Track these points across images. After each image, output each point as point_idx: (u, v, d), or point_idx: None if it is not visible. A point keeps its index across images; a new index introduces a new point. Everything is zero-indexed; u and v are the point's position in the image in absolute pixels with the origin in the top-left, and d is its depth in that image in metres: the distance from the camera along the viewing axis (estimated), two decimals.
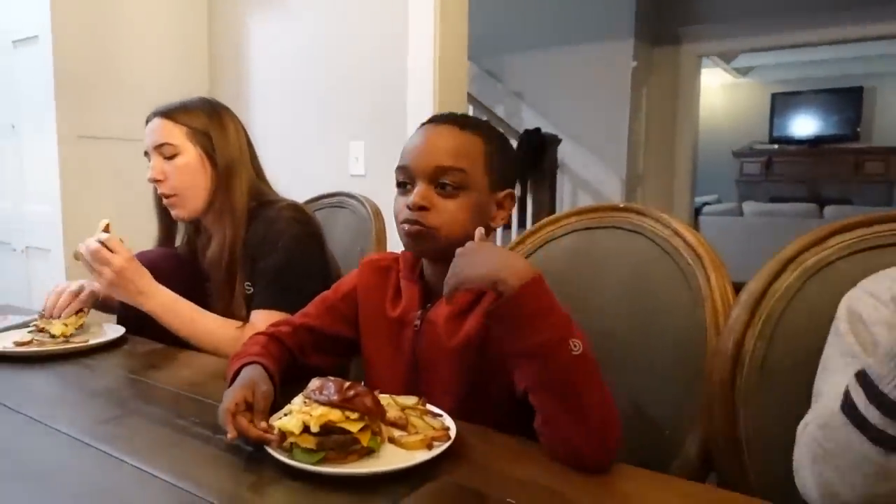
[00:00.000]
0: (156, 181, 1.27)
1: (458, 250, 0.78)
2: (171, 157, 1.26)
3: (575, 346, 0.70)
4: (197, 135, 1.27)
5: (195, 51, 2.63)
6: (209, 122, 1.28)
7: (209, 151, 1.27)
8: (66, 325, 1.18)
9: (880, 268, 0.74)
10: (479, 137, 0.89)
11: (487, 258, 0.75)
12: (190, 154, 1.26)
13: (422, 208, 0.86)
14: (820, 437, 0.61)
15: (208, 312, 1.22)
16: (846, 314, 0.68)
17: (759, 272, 0.86)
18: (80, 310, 1.23)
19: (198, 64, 2.64)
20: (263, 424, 0.72)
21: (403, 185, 0.90)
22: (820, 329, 0.74)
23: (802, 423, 0.66)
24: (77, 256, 1.19)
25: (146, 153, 1.29)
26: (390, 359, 0.94)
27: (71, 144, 2.24)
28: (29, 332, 1.19)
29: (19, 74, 2.38)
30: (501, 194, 0.92)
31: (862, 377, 0.58)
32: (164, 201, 1.29)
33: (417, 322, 0.92)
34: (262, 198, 1.32)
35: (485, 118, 4.05)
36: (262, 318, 1.19)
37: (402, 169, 0.89)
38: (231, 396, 0.76)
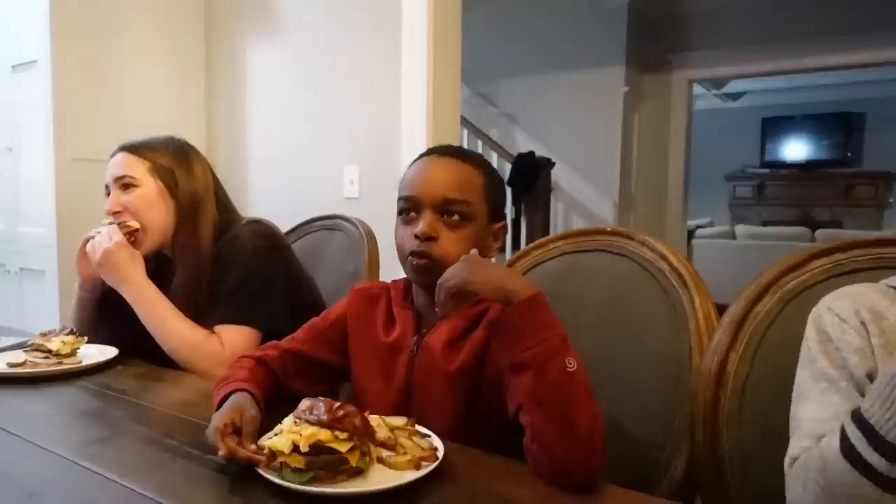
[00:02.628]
0: (114, 213, 1.26)
1: (464, 257, 0.81)
2: (129, 190, 1.25)
3: (570, 363, 0.73)
4: (160, 170, 1.27)
5: (192, 76, 2.66)
6: (173, 159, 1.29)
7: (171, 187, 1.27)
8: (64, 342, 1.19)
9: None
10: (479, 170, 0.93)
11: (495, 269, 0.79)
12: (149, 187, 1.26)
13: (429, 238, 0.88)
14: (822, 483, 0.60)
15: (183, 317, 1.21)
16: (815, 334, 0.70)
17: (741, 296, 0.88)
18: (78, 332, 1.24)
19: (194, 89, 2.67)
20: (252, 447, 0.73)
21: (406, 213, 0.92)
22: (799, 351, 0.76)
23: (788, 457, 0.66)
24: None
25: (106, 187, 1.29)
26: (382, 383, 0.95)
27: (66, 167, 2.26)
28: (24, 351, 1.19)
29: (18, 98, 2.41)
30: (497, 226, 0.95)
31: (859, 421, 0.57)
32: (127, 238, 1.27)
33: (414, 347, 0.93)
34: (226, 226, 1.31)
35: (478, 141, 4.10)
36: (228, 334, 1.20)
37: (407, 198, 0.91)
38: (220, 418, 0.77)
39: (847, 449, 0.58)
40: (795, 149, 7.83)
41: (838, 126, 7.53)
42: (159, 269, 1.37)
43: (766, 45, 4.38)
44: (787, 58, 4.39)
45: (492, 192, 0.93)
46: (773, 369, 0.83)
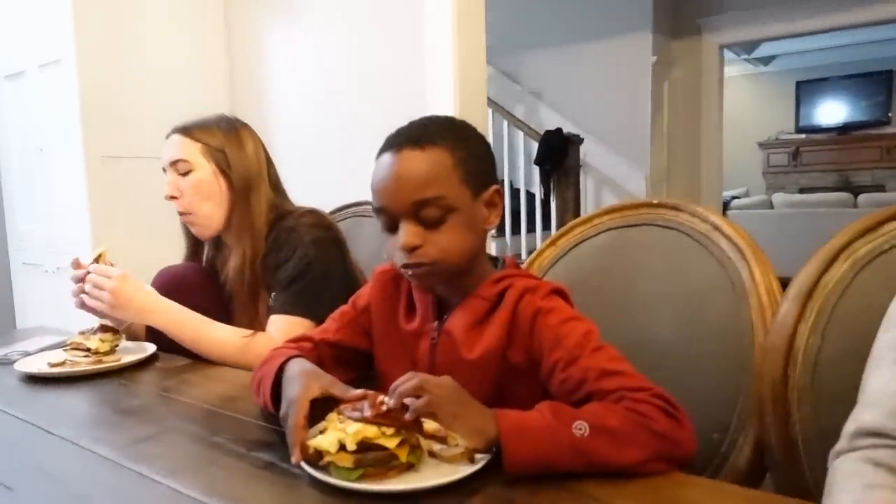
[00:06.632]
0: (171, 198, 1.27)
1: (436, 386, 0.70)
2: (185, 174, 1.26)
3: (578, 428, 0.66)
4: (212, 151, 1.26)
5: (215, 69, 2.65)
6: (225, 139, 1.28)
7: (224, 168, 1.27)
8: (102, 340, 1.19)
9: None
10: (444, 151, 0.82)
11: (462, 410, 0.70)
12: (204, 171, 1.26)
13: (415, 248, 0.82)
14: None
15: (216, 323, 1.21)
16: None
17: (807, 264, 0.82)
18: (116, 329, 1.24)
19: (217, 81, 2.66)
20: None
21: (385, 225, 0.85)
22: (876, 322, 0.69)
23: (835, 448, 0.60)
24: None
25: (164, 169, 1.30)
26: (405, 372, 0.91)
27: (97, 165, 2.28)
28: (64, 350, 1.19)
29: (45, 97, 2.42)
30: (487, 194, 0.86)
31: None
32: (181, 219, 1.30)
33: (434, 334, 0.89)
34: (281, 210, 1.30)
35: (504, 121, 4.02)
36: (279, 324, 1.18)
37: (380, 211, 0.84)
38: (295, 409, 0.74)
39: None
40: (832, 111, 7.56)
41: (879, 85, 7.24)
42: (216, 251, 1.37)
43: (799, 2, 4.20)
44: (822, 15, 4.21)
45: (467, 166, 0.83)
46: (848, 341, 0.77)
